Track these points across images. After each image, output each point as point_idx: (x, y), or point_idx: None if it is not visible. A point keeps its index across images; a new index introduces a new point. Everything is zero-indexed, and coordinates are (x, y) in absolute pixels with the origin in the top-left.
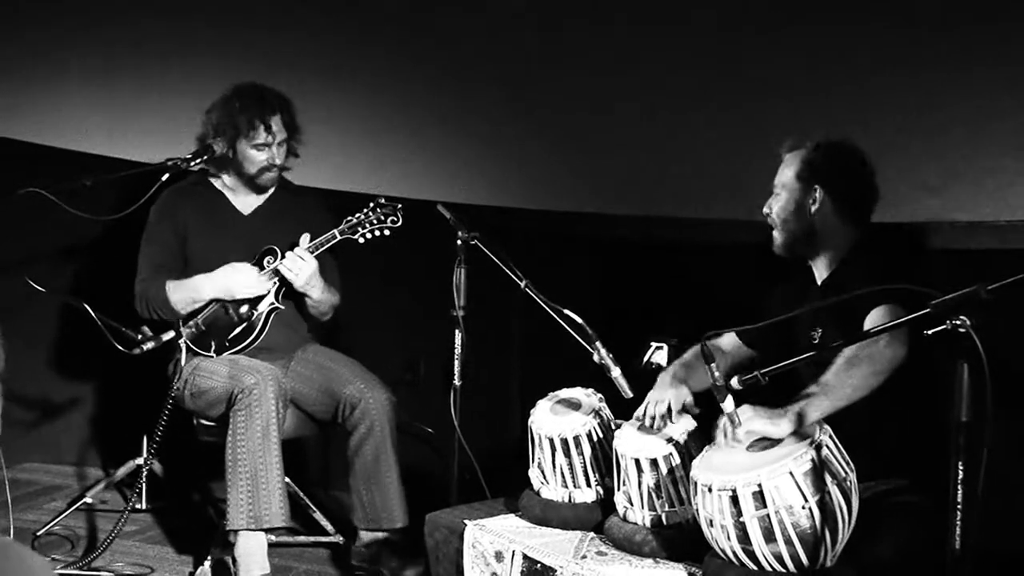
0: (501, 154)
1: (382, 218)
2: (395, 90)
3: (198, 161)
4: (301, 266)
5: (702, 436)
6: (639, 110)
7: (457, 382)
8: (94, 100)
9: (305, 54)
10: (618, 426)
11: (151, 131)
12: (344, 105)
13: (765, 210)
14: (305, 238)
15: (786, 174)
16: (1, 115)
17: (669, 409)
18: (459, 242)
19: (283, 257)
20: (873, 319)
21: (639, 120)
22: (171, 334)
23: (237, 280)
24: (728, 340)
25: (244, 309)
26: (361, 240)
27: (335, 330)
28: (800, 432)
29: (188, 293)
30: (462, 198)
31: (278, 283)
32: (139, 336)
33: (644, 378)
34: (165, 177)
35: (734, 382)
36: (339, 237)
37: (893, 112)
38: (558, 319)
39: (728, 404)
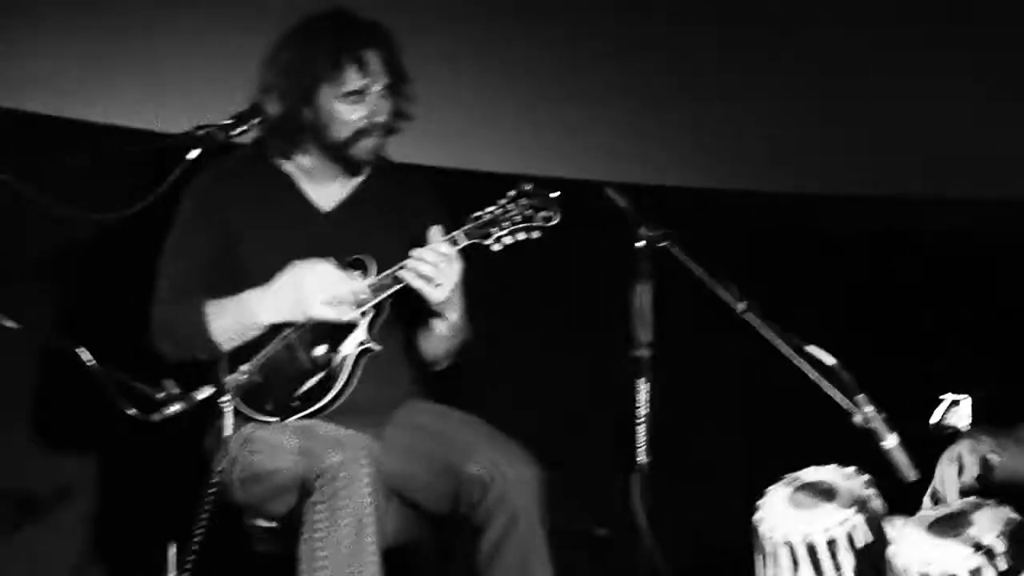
0: (700, 114)
1: (530, 213)
2: (537, 23)
3: (242, 128)
4: (440, 269)
5: None
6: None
7: (643, 457)
8: (86, 41)
9: None
10: (895, 525)
11: (175, 87)
12: (461, 45)
13: None
14: (437, 231)
15: None
16: None
17: (972, 495)
18: (642, 245)
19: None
20: None
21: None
22: (209, 390)
23: (314, 285)
24: None
25: (320, 350)
26: (496, 246)
27: (443, 380)
28: None
29: (237, 317)
30: (640, 177)
31: (373, 311)
32: (161, 394)
33: (936, 449)
34: (195, 154)
35: None
36: (464, 241)
37: None
38: (796, 361)
39: None
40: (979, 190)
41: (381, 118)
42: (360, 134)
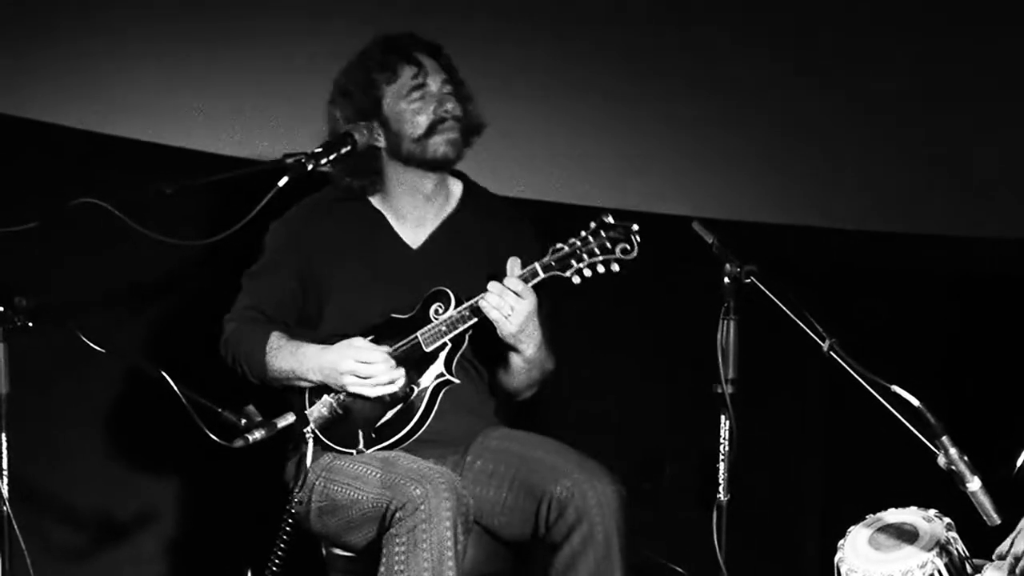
0: (787, 150)
1: (608, 245)
2: (619, 59)
3: (331, 157)
4: (514, 302)
5: None
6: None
7: (723, 496)
8: (177, 69)
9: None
10: (977, 569)
11: (263, 116)
12: (547, 78)
13: None
14: (515, 263)
15: None
16: (41, 93)
17: None
18: (727, 280)
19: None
20: None
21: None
22: (291, 418)
23: (348, 365)
24: None
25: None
26: (576, 279)
27: (525, 415)
28: None
29: (292, 364)
30: (726, 213)
31: (451, 345)
32: (244, 420)
33: (1020, 493)
34: (284, 181)
35: None
36: (543, 274)
37: None
38: (882, 400)
39: None
40: None
41: (448, 107)
42: (434, 127)
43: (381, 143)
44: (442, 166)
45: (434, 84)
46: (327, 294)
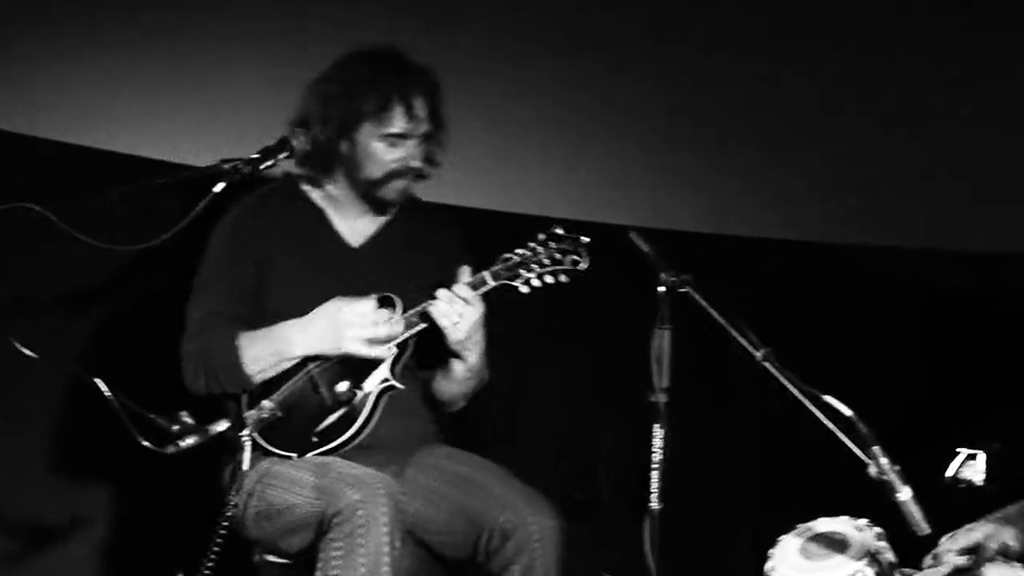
0: (727, 160)
1: (558, 256)
2: (566, 67)
3: (269, 163)
4: (463, 309)
5: None
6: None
7: (656, 505)
8: (116, 74)
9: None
10: None
11: (203, 120)
12: (493, 85)
13: None
14: (465, 271)
15: None
16: None
17: (979, 552)
18: (661, 290)
19: (430, 299)
20: None
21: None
22: (225, 424)
23: (352, 321)
24: None
25: (343, 387)
26: (525, 289)
27: (461, 421)
28: None
29: (272, 346)
30: (664, 222)
31: (396, 351)
32: (177, 427)
33: (949, 503)
34: (220, 187)
35: None
36: (492, 283)
37: None
38: (813, 409)
39: None
40: (1005, 244)
41: (415, 163)
42: (392, 176)
43: (342, 151)
44: (385, 206)
45: (415, 134)
46: (266, 288)
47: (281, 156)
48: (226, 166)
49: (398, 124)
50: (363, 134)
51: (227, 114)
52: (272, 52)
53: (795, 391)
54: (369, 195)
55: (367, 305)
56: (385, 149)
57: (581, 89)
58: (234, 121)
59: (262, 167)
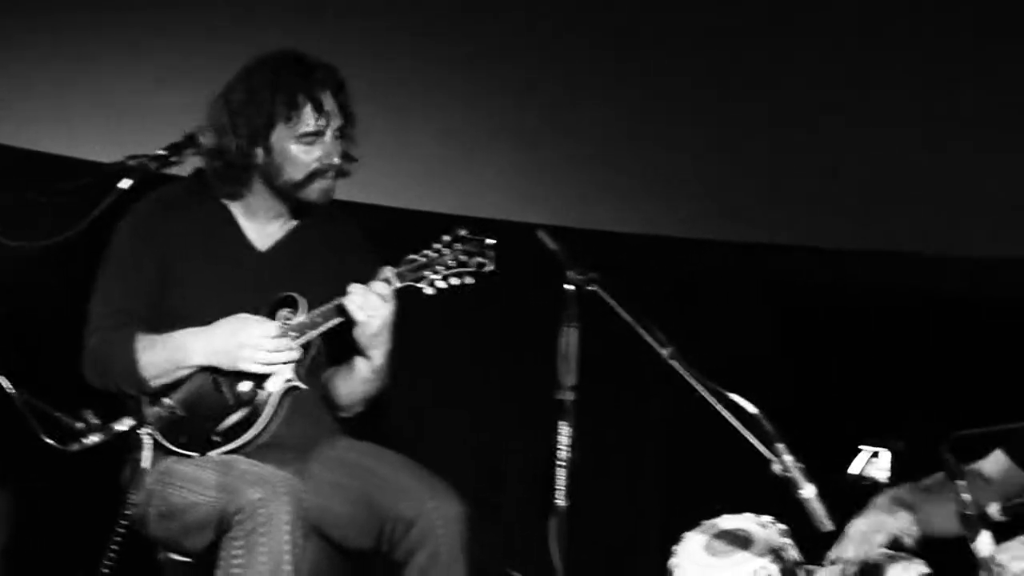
0: (637, 158)
1: (463, 259)
2: (471, 66)
3: (176, 159)
4: (378, 304)
5: None
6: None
7: (562, 502)
8: (15, 68)
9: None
10: (810, 574)
11: (108, 117)
12: (397, 85)
13: None
14: (385, 270)
15: None
16: None
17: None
18: (568, 288)
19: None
20: None
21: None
22: (129, 422)
23: (249, 340)
24: (996, 463)
25: (246, 386)
26: (429, 290)
27: (367, 422)
28: None
29: (168, 354)
30: (573, 221)
31: (300, 351)
32: (80, 424)
33: (853, 501)
34: (126, 184)
35: (993, 510)
36: (397, 283)
37: None
38: (719, 407)
39: (983, 545)
40: (905, 244)
41: (335, 160)
42: (314, 176)
43: (258, 158)
44: (308, 208)
45: (329, 132)
46: (170, 289)
47: (188, 152)
48: (132, 162)
49: (310, 122)
50: (277, 138)
51: (134, 110)
52: (181, 50)
53: (701, 389)
54: (292, 200)
55: (269, 328)
56: (302, 150)
57: (486, 86)
58: (141, 117)
59: (169, 163)
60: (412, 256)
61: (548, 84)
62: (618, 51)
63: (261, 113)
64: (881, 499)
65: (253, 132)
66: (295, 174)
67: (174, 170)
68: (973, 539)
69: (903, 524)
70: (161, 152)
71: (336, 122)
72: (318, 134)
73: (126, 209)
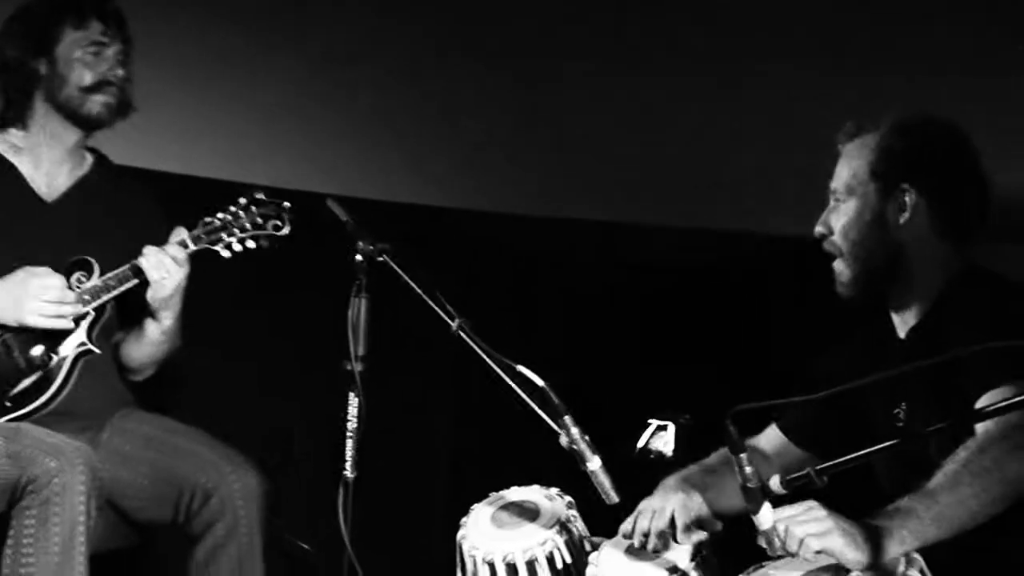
0: (430, 130)
1: (259, 221)
2: (266, 30)
3: None
4: (172, 266)
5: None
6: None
7: (350, 473)
8: None
9: None
10: (595, 546)
11: None
12: (192, 50)
13: (819, 229)
14: (178, 232)
15: (852, 170)
16: None
17: (672, 524)
18: (358, 258)
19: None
20: (992, 401)
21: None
22: None
23: (34, 292)
24: (771, 438)
25: (38, 350)
26: (226, 253)
27: (159, 388)
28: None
29: None
30: (367, 191)
31: (93, 315)
32: None
33: (639, 474)
34: None
35: (774, 483)
36: (193, 246)
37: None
38: (507, 380)
39: (764, 517)
40: (688, 219)
41: (120, 73)
42: (99, 86)
43: (42, 71)
44: (92, 126)
45: (112, 47)
46: None
47: None
48: None
49: (96, 32)
50: (64, 46)
51: None
52: None
53: (489, 360)
54: (77, 113)
55: (54, 280)
56: (89, 58)
57: (282, 53)
58: None
59: None
60: (208, 219)
61: (341, 49)
62: (426, 26)
63: (48, 19)
64: (671, 480)
65: (39, 40)
66: (83, 79)
67: None
68: (756, 511)
69: (694, 504)
70: None
71: (118, 42)
72: (103, 44)
73: None
